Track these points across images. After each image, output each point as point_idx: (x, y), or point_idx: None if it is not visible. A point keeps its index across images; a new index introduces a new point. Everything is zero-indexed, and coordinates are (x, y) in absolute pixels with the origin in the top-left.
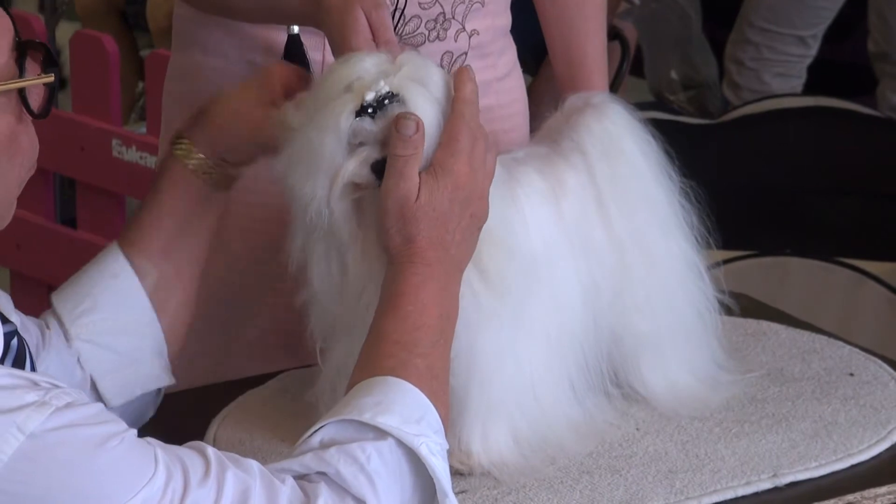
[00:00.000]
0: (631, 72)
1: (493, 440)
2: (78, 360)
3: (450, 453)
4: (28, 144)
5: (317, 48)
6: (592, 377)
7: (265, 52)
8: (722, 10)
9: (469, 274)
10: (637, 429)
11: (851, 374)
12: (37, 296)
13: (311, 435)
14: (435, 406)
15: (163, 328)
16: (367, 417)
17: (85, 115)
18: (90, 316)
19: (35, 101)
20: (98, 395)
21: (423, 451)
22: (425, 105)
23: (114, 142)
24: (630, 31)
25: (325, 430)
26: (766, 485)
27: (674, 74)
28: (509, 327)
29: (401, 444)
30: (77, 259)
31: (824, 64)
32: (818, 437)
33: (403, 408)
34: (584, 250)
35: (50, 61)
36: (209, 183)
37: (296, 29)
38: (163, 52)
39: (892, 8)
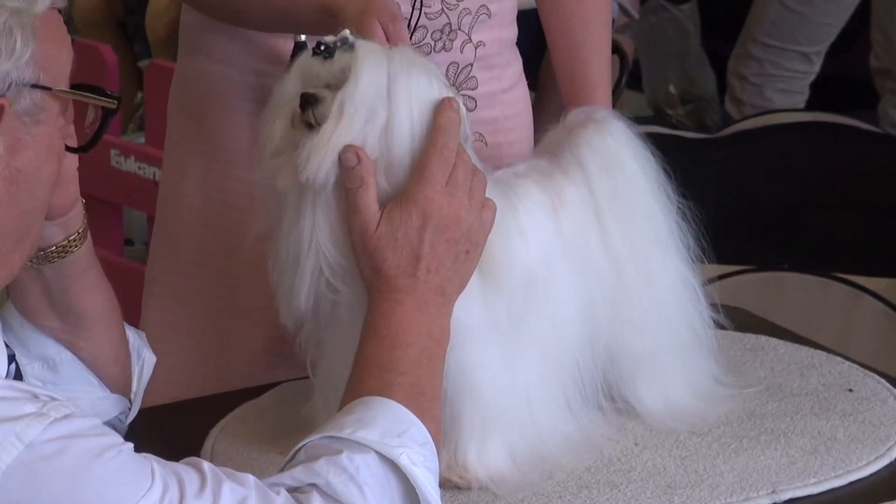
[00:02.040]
0: (629, 85)
1: (489, 454)
2: None
3: (448, 467)
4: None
5: None
6: (588, 393)
7: (272, 60)
8: (721, 24)
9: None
10: (635, 444)
11: (850, 390)
12: None
13: (296, 453)
14: (423, 421)
15: (84, 360)
16: (346, 433)
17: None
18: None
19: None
20: None
21: (404, 462)
22: (368, 65)
23: (112, 152)
24: (628, 44)
25: (308, 448)
26: (765, 501)
27: (672, 88)
28: (504, 340)
29: (383, 457)
30: None
31: (825, 79)
32: (817, 454)
33: (385, 422)
34: (582, 265)
35: (111, 96)
36: (33, 267)
37: (303, 36)
38: (161, 63)
39: (895, 24)
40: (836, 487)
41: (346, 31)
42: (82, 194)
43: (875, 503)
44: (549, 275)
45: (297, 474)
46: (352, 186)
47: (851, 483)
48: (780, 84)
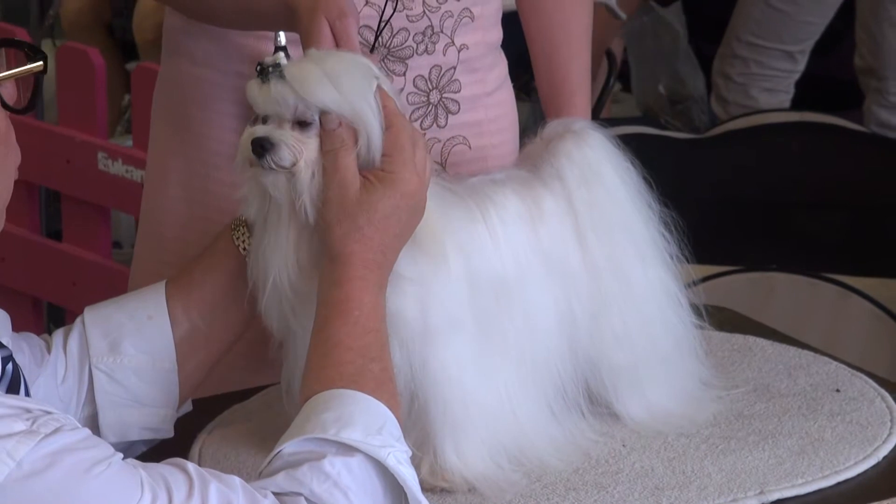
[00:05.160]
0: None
1: (469, 456)
2: (89, 386)
3: (431, 472)
4: (14, 143)
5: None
6: (571, 400)
7: (253, 62)
8: (709, 24)
9: (416, 289)
10: (623, 445)
11: (838, 391)
12: (22, 309)
13: (277, 454)
14: (392, 410)
15: (179, 381)
16: (331, 434)
17: (71, 127)
18: (113, 349)
19: (10, 96)
20: (96, 429)
21: (391, 462)
22: (311, 88)
23: (99, 155)
24: (617, 45)
25: (290, 448)
26: (753, 502)
27: (661, 89)
28: (476, 343)
29: (368, 457)
30: (62, 272)
31: (811, 78)
32: (805, 454)
33: (364, 419)
34: (561, 276)
35: (36, 53)
36: None
37: (282, 40)
38: (149, 66)
39: (880, 23)
40: (824, 488)
41: (281, 55)
42: (68, 196)
43: (862, 503)
44: (525, 284)
45: (281, 481)
46: (332, 148)
47: (839, 483)
48: (764, 83)
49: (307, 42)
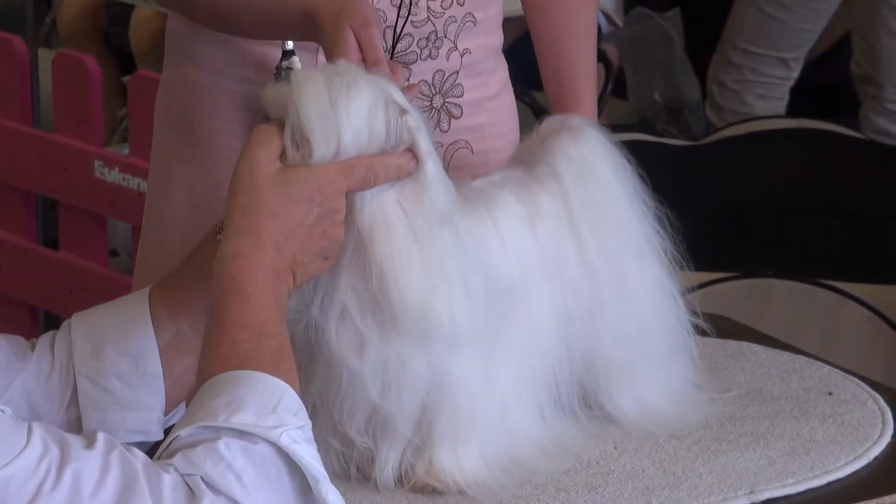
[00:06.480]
0: (613, 93)
1: (464, 459)
2: (74, 388)
3: (427, 472)
4: None
5: (311, 65)
6: (563, 401)
7: (258, 67)
8: (704, 31)
9: (445, 296)
10: (615, 447)
11: (830, 394)
12: (19, 317)
13: (170, 444)
14: (291, 384)
15: (166, 386)
16: (221, 421)
17: (67, 135)
18: (96, 354)
19: None
20: (81, 432)
21: (285, 442)
22: (305, 95)
23: (96, 163)
24: (613, 52)
25: (183, 438)
26: (743, 501)
27: (657, 96)
28: (483, 349)
29: (262, 438)
30: (59, 280)
31: (807, 85)
32: (796, 455)
33: (257, 400)
34: (559, 276)
35: None
36: None
37: (290, 44)
38: (146, 73)
39: (876, 30)
40: (814, 487)
41: (296, 59)
42: (64, 204)
43: (852, 503)
44: (527, 286)
45: (177, 463)
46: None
47: (829, 483)
48: (759, 90)
49: (332, 52)
